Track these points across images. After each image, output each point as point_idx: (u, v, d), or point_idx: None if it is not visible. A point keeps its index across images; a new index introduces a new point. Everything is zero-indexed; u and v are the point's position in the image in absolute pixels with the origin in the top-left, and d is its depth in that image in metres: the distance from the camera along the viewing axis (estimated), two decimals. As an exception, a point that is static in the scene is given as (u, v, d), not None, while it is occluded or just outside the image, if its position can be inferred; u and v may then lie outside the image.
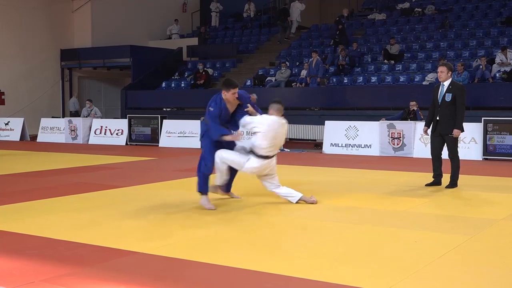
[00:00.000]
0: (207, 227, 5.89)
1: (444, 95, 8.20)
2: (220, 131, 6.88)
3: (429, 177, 8.60)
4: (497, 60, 16.43)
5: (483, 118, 12.72)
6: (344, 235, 5.57)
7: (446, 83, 8.25)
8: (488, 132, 12.52)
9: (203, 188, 6.92)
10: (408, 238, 5.39)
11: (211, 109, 6.97)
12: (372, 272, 4.30)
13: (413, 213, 6.63)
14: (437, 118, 8.30)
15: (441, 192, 8.03)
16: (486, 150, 12.55)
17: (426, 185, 8.46)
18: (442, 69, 8.29)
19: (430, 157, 8.54)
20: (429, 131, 8.57)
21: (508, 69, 15.99)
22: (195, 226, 5.98)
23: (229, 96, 6.93)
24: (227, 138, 6.88)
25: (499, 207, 6.99)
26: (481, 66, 16.17)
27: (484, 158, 12.55)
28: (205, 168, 6.94)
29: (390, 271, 4.34)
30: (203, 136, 7.09)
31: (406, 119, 13.91)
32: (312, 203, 7.05)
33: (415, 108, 13.98)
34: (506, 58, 16.22)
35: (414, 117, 13.88)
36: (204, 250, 4.99)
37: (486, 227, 5.83)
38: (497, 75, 16.20)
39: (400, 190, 8.21)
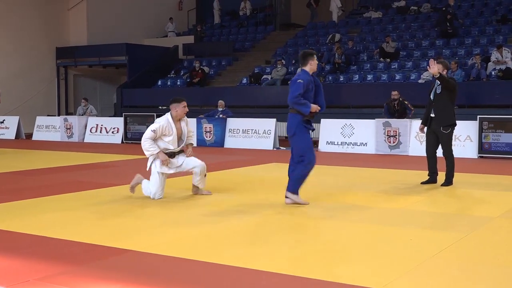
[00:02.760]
0: (201, 225, 5.88)
1: (435, 88, 8.26)
2: (308, 105, 6.61)
3: (424, 175, 8.61)
4: (493, 58, 16.44)
5: (478, 116, 12.73)
6: (340, 233, 5.57)
7: None
8: (483, 130, 12.53)
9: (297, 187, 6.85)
10: (403, 236, 5.39)
11: (300, 81, 6.56)
12: (367, 270, 4.30)
13: (409, 211, 6.63)
14: (432, 115, 8.32)
15: (436, 190, 8.04)
16: (482, 148, 12.56)
17: (422, 183, 8.47)
18: (438, 67, 8.29)
19: (425, 155, 8.55)
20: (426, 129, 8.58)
21: (503, 67, 16.01)
22: (189, 224, 5.97)
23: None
24: (313, 109, 6.66)
25: (494, 205, 7.00)
26: (476, 65, 16.19)
27: (480, 156, 12.56)
28: (309, 165, 6.87)
29: (385, 268, 4.34)
30: (296, 132, 6.78)
31: (394, 113, 13.85)
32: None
33: (396, 97, 13.86)
34: (502, 56, 16.23)
35: (403, 109, 13.76)
36: (198, 248, 4.98)
37: (481, 225, 5.84)
38: (493, 73, 16.21)
39: (395, 188, 8.21)
